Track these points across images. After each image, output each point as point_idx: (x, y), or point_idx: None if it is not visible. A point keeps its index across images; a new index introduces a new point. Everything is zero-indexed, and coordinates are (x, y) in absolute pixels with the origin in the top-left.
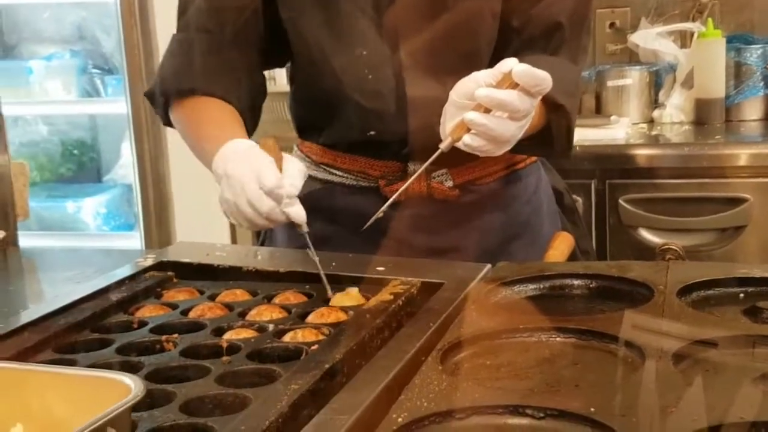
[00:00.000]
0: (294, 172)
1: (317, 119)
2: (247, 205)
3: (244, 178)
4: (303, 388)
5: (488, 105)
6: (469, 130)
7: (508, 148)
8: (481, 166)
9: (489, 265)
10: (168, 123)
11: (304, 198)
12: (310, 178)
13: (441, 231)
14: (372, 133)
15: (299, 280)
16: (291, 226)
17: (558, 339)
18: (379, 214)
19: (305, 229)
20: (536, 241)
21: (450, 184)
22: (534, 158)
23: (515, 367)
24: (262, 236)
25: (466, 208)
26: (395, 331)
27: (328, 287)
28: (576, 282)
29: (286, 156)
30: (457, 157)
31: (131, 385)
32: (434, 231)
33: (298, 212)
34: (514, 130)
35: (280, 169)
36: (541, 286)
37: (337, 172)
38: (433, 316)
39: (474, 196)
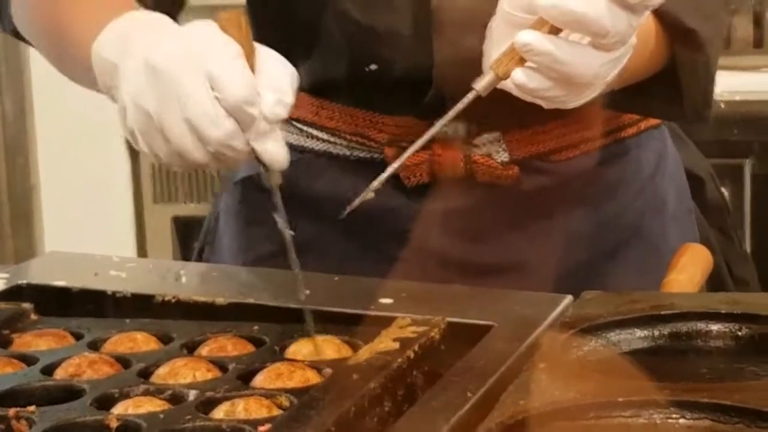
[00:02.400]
0: (279, 74)
1: (285, 44)
2: (183, 124)
3: (186, 74)
4: None
5: (557, 21)
6: (524, 61)
7: (590, 95)
8: (558, 129)
9: (570, 297)
10: (15, 33)
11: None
12: None
13: (490, 237)
14: (373, 66)
15: (246, 317)
16: (261, 186)
17: (683, 420)
18: (369, 193)
19: (277, 180)
20: (652, 258)
21: (504, 158)
22: (654, 120)
23: None
24: (201, 243)
25: (533, 199)
26: (404, 403)
27: (310, 321)
28: (715, 327)
29: (261, 47)
30: (516, 113)
31: None
32: (478, 237)
33: (276, 151)
34: (598, 66)
35: (251, 67)
36: (657, 333)
37: (320, 135)
38: (472, 381)
39: (546, 179)
